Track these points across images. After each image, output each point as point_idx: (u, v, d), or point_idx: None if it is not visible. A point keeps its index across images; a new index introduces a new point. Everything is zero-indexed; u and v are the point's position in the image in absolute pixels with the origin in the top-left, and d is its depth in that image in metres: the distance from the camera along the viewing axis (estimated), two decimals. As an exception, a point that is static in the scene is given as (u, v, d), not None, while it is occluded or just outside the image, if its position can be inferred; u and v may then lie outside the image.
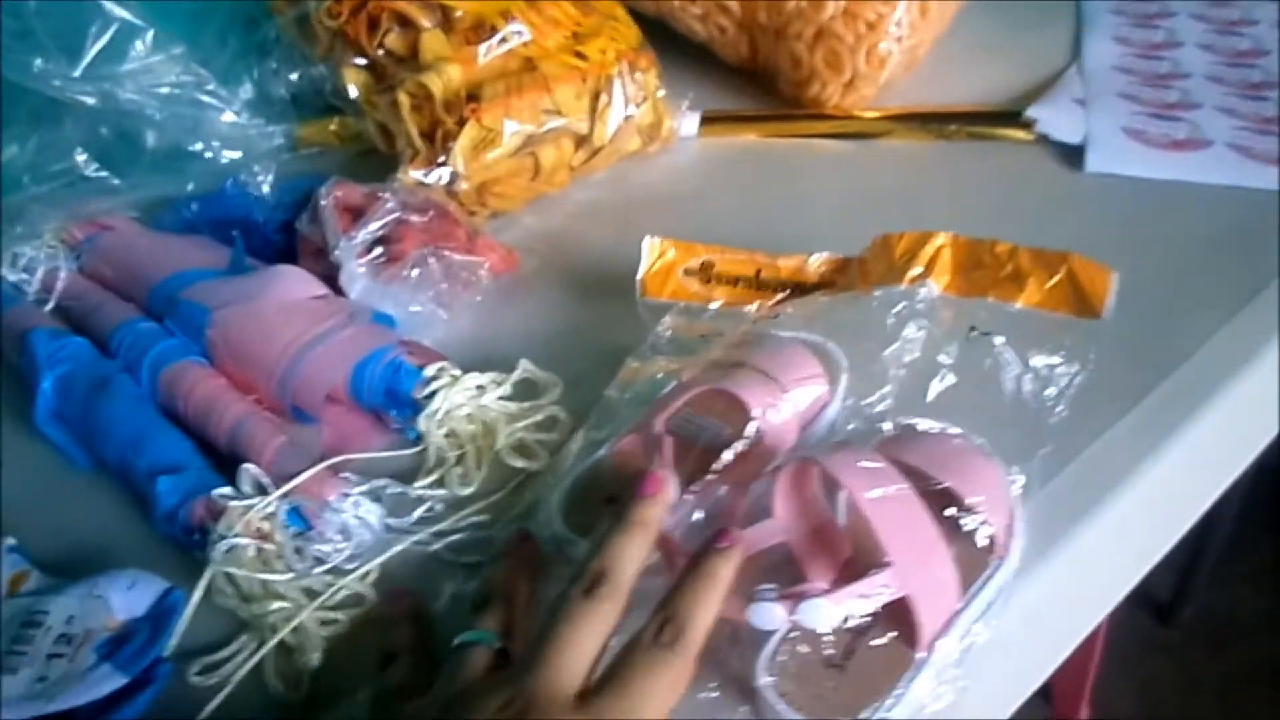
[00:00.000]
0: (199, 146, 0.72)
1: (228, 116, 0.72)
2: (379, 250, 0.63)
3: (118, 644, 0.45)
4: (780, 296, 0.61)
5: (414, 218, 0.64)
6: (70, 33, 0.65)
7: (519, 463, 0.54)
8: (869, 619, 0.42)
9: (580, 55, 0.74)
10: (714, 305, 0.61)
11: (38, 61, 0.65)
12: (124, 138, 0.74)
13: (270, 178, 0.71)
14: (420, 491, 0.52)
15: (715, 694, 0.42)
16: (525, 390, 0.58)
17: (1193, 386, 0.57)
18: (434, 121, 0.70)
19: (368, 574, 0.49)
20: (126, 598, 0.47)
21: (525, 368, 0.58)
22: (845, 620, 0.41)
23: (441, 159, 0.69)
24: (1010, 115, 0.82)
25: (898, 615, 0.42)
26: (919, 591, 0.41)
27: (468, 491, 0.52)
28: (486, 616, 0.43)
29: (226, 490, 0.50)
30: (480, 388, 0.56)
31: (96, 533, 0.53)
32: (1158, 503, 0.54)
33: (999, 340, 0.51)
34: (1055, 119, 0.82)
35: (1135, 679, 1.49)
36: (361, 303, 0.61)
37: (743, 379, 0.49)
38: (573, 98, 0.73)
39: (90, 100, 0.68)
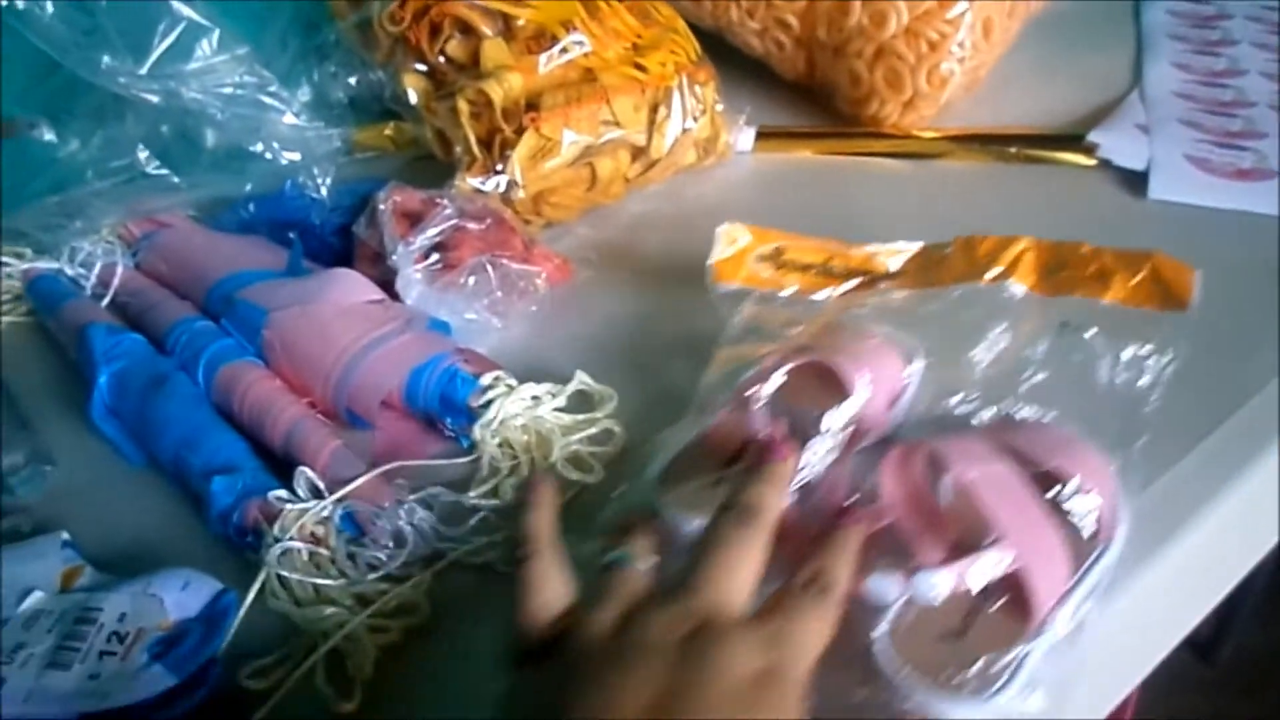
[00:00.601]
0: (259, 147, 0.72)
1: (288, 118, 0.72)
2: (435, 256, 0.63)
3: (170, 644, 0.45)
4: (850, 285, 0.61)
5: (471, 225, 0.64)
6: (138, 31, 0.66)
7: (574, 475, 0.53)
8: (984, 595, 0.42)
9: (640, 67, 0.73)
10: (786, 292, 0.61)
11: (105, 58, 0.65)
12: (185, 136, 0.74)
13: (328, 180, 0.71)
14: (474, 501, 0.52)
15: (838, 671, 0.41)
16: (580, 402, 0.57)
17: (1258, 422, 0.55)
18: (492, 129, 0.70)
19: (420, 583, 0.48)
20: (180, 598, 0.47)
21: (581, 380, 0.57)
22: (959, 592, 0.42)
23: (499, 167, 0.69)
24: (1072, 139, 0.81)
25: (1011, 592, 0.42)
26: (1032, 564, 0.42)
27: (522, 503, 0.52)
28: (633, 540, 0.43)
29: (281, 492, 0.50)
30: (536, 398, 0.56)
31: (150, 530, 0.53)
32: (1224, 538, 0.53)
33: (1091, 333, 0.52)
34: (1118, 144, 0.80)
35: (1169, 715, 1.46)
36: (418, 309, 0.60)
37: (838, 357, 0.50)
38: (631, 110, 0.72)
39: (154, 98, 0.68)
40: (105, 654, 0.45)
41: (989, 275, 0.58)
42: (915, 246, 0.62)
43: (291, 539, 0.48)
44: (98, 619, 0.46)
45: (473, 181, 0.69)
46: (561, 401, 0.56)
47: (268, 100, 0.70)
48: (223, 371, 0.58)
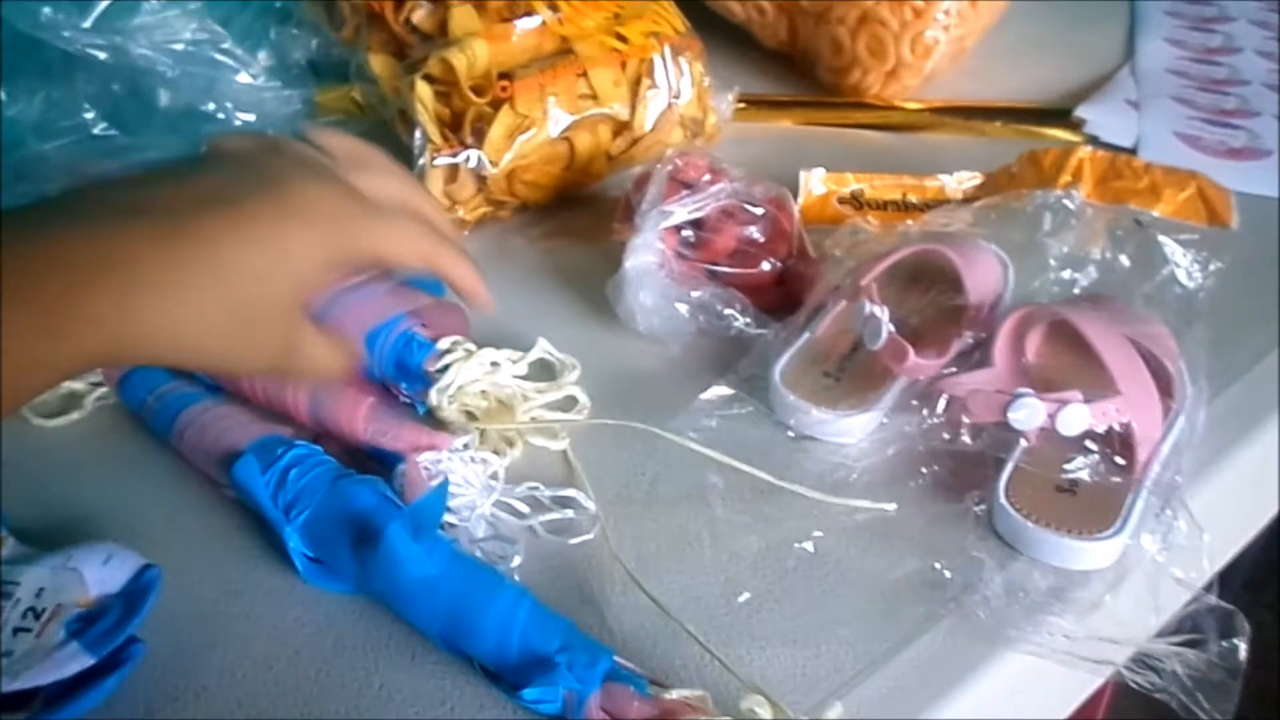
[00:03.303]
0: (212, 107, 0.69)
1: (243, 78, 0.69)
2: (689, 233, 0.59)
3: (89, 621, 0.42)
4: (929, 216, 0.65)
5: (747, 210, 0.60)
6: (80, -19, 0.63)
7: (539, 441, 0.51)
8: (1091, 454, 0.48)
9: (621, 38, 0.70)
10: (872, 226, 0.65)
11: (46, 10, 0.62)
12: (136, 95, 0.71)
13: (286, 143, 0.68)
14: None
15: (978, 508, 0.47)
16: (541, 371, 0.55)
17: (1245, 405, 0.55)
18: (459, 110, 0.66)
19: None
20: (101, 573, 0.44)
21: (543, 348, 0.55)
22: (1076, 437, 0.47)
23: (470, 142, 0.66)
24: (1058, 113, 0.79)
25: (1112, 449, 0.48)
26: (1140, 421, 0.47)
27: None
28: None
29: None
30: (495, 364, 0.53)
31: (83, 503, 0.50)
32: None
33: (1159, 234, 0.58)
34: (1105, 119, 0.78)
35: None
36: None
37: (946, 248, 0.56)
38: (610, 84, 0.69)
39: (101, 55, 0.65)
40: (20, 630, 0.42)
41: (1061, 181, 0.66)
42: (980, 175, 0.70)
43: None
44: (14, 593, 0.43)
45: (441, 160, 0.66)
46: (522, 369, 0.54)
47: (221, 58, 0.67)
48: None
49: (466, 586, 0.42)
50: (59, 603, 0.43)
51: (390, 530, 0.43)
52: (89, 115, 0.69)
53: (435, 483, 0.47)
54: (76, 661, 0.41)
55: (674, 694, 0.40)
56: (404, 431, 0.49)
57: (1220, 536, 0.52)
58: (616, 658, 0.41)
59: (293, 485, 0.47)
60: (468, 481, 0.48)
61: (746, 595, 0.45)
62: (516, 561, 0.46)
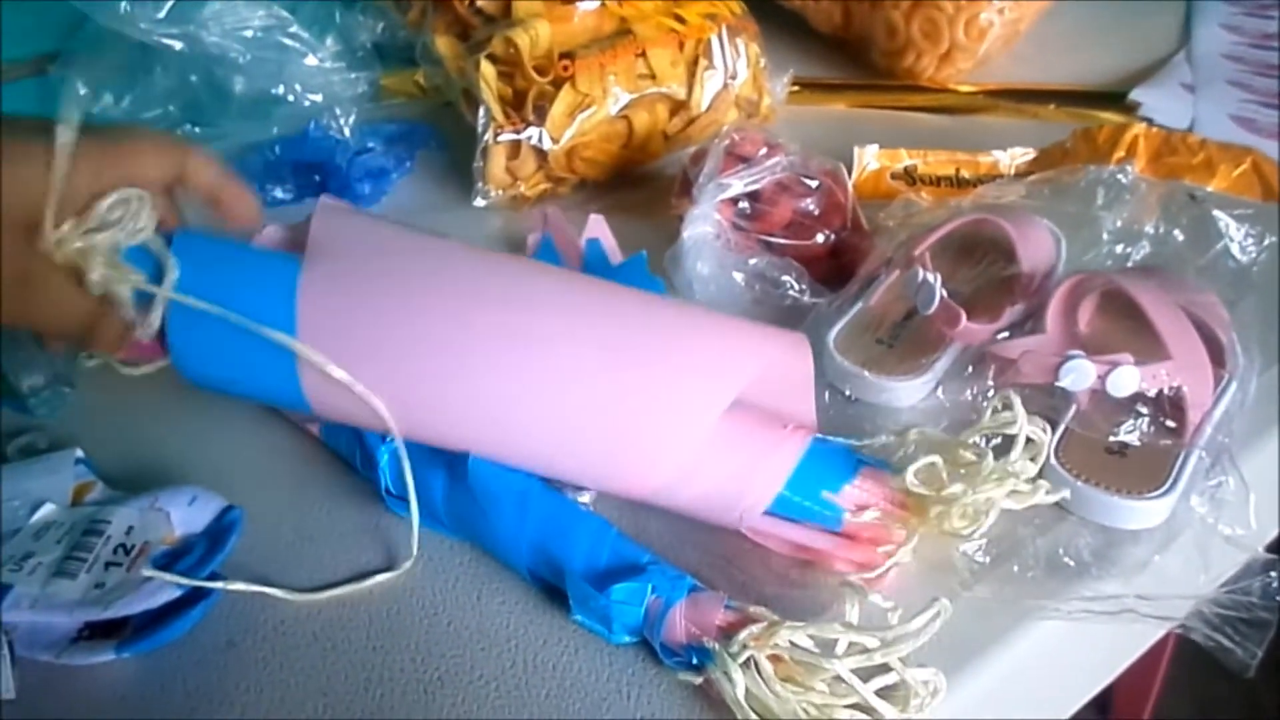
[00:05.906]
0: (282, 90, 0.71)
1: (311, 60, 0.71)
2: (745, 205, 0.60)
3: (175, 558, 0.45)
4: (981, 189, 0.65)
5: (802, 183, 0.61)
6: (152, -27, 0.65)
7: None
8: (1142, 417, 0.49)
9: (679, 19, 0.72)
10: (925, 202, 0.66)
11: (123, 5, 0.65)
12: (211, 84, 0.73)
13: (351, 121, 0.71)
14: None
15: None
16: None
17: None
18: (522, 89, 0.68)
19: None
20: (186, 513, 0.47)
21: None
22: (1129, 398, 0.48)
23: (532, 120, 0.68)
24: (1113, 96, 0.79)
25: (1163, 413, 0.49)
26: (1191, 385, 0.48)
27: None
28: None
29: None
30: None
31: (165, 452, 0.53)
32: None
33: (1213, 209, 0.58)
34: (1160, 103, 0.78)
35: (1198, 701, 1.42)
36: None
37: (1000, 219, 0.57)
38: (668, 64, 0.70)
39: (176, 45, 0.67)
40: (111, 565, 0.45)
41: (1115, 157, 0.66)
42: (1033, 151, 0.71)
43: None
44: (105, 531, 0.46)
45: (504, 137, 0.68)
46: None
47: (289, 42, 0.70)
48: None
49: (559, 506, 0.46)
50: (146, 540, 0.46)
51: None
52: (170, 108, 0.72)
53: None
54: (163, 593, 0.43)
55: (753, 609, 0.41)
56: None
57: (1272, 506, 0.53)
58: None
59: None
60: None
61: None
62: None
